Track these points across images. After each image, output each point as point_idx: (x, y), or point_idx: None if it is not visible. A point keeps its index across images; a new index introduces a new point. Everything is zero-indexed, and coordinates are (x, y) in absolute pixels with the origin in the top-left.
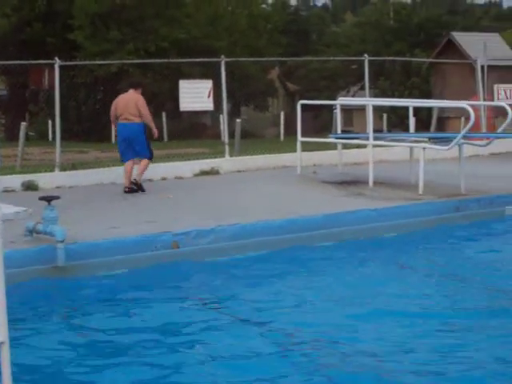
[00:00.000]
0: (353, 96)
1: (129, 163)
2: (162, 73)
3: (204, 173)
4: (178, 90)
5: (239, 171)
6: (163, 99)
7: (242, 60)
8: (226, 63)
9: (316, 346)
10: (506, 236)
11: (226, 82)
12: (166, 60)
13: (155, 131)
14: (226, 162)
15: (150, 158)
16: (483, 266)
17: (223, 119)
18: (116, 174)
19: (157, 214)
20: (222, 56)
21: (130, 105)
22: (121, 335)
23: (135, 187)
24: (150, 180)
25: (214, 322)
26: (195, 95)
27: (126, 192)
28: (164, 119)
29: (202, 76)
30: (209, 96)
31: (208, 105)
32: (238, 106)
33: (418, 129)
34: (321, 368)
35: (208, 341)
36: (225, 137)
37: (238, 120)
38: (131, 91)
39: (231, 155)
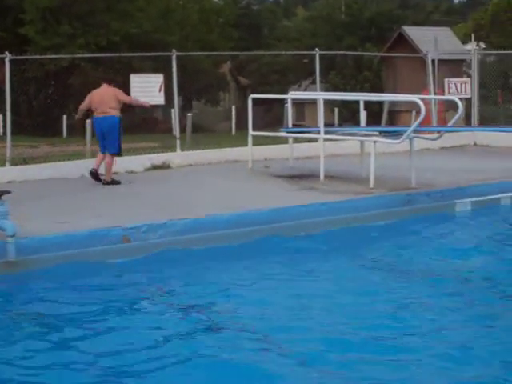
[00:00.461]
0: (304, 90)
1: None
2: (114, 67)
3: (155, 167)
4: (129, 84)
5: (190, 165)
6: None
7: (193, 54)
8: (178, 57)
9: (250, 335)
10: (456, 229)
11: (178, 77)
12: (117, 54)
13: (146, 104)
14: (178, 157)
15: (119, 153)
16: (432, 259)
17: (174, 113)
18: (68, 169)
19: (108, 209)
20: (174, 50)
21: (106, 99)
22: (70, 328)
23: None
24: (101, 174)
25: (163, 314)
26: (146, 89)
27: (90, 172)
28: None
29: (154, 70)
30: (160, 90)
31: (159, 99)
32: (190, 101)
33: (369, 123)
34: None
35: (160, 328)
36: (176, 131)
37: (188, 114)
38: (105, 85)
39: (183, 149)
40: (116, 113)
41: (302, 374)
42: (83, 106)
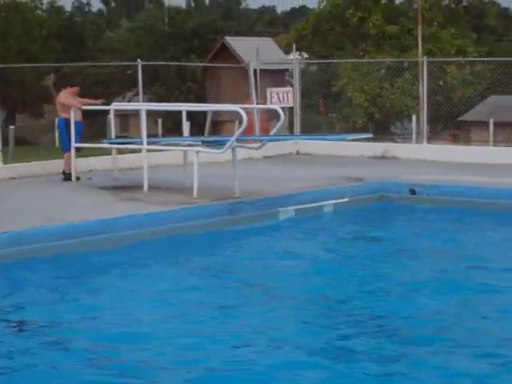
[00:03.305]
0: (129, 101)
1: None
2: None
3: None
4: None
5: (14, 178)
6: None
7: (15, 66)
8: (0, 69)
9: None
10: (277, 237)
11: (0, 89)
12: None
13: (96, 102)
14: (0, 170)
15: (67, 150)
16: (252, 268)
17: None
18: None
19: None
20: None
21: (57, 103)
22: None
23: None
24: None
25: None
26: None
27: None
28: None
29: None
30: None
31: None
32: (13, 113)
33: (195, 133)
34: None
35: None
36: None
37: (11, 127)
38: (62, 90)
39: (5, 162)
40: (63, 115)
41: None
42: None
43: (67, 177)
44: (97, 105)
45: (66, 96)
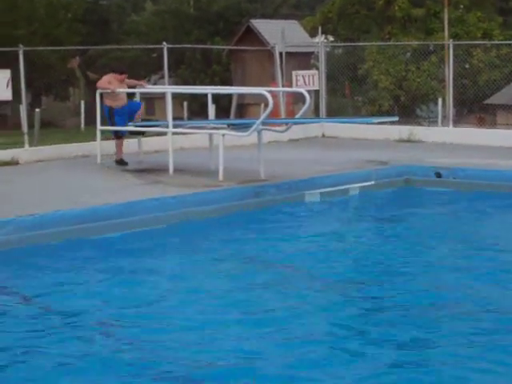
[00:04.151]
0: (154, 85)
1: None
2: None
3: (3, 163)
4: None
5: (40, 161)
6: None
7: (40, 49)
8: (25, 52)
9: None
10: (304, 220)
11: (26, 72)
12: None
13: (140, 83)
14: (26, 152)
15: (115, 136)
16: (280, 250)
17: (22, 109)
18: None
19: None
20: (20, 45)
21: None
22: None
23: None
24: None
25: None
26: None
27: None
28: None
29: (1, 66)
30: (7, 86)
31: (6, 95)
32: (39, 96)
33: (219, 116)
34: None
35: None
36: (24, 127)
37: (37, 110)
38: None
39: (31, 145)
40: (106, 102)
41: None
42: None
43: (120, 163)
44: (141, 86)
45: (103, 80)
